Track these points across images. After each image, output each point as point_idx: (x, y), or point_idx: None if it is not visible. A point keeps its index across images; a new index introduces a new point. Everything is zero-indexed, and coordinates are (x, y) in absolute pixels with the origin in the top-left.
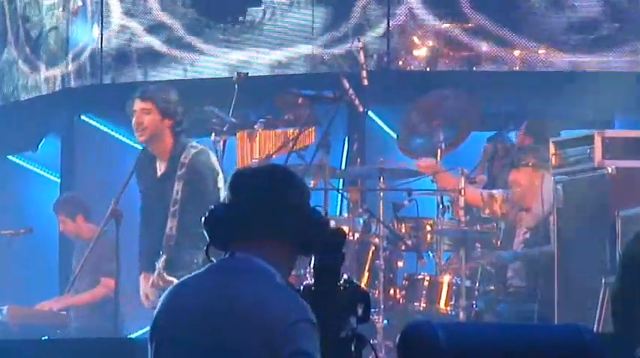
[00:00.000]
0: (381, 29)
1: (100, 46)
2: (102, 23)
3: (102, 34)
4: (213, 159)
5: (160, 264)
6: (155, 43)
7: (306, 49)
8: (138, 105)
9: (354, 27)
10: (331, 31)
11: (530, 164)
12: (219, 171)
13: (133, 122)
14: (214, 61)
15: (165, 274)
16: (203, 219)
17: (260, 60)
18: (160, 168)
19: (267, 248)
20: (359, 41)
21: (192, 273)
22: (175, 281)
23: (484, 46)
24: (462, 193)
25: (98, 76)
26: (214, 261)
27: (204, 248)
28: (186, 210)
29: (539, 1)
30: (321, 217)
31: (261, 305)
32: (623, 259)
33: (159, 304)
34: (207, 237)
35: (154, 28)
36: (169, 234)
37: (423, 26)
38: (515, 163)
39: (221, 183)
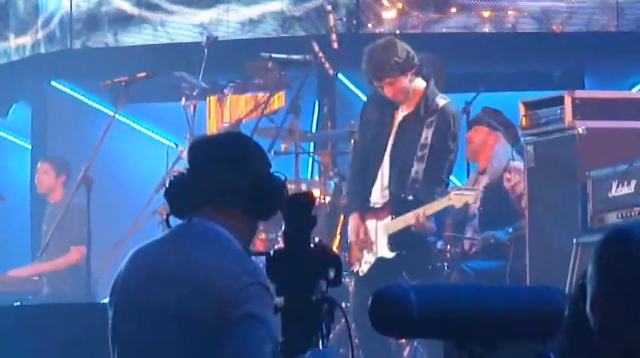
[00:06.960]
0: None
1: (70, 11)
2: None
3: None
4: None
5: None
6: (125, 5)
7: (276, 5)
8: None
9: None
10: None
11: (486, 123)
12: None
13: None
14: (185, 21)
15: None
16: (163, 190)
17: (231, 18)
18: (402, 111)
19: (223, 214)
20: (328, 4)
21: (151, 240)
22: None
23: (453, 8)
24: None
25: (68, 41)
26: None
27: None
28: (433, 156)
29: None
30: (276, 183)
31: (212, 269)
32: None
33: (119, 269)
34: (168, 207)
35: None
36: (415, 178)
37: None
38: (474, 121)
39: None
